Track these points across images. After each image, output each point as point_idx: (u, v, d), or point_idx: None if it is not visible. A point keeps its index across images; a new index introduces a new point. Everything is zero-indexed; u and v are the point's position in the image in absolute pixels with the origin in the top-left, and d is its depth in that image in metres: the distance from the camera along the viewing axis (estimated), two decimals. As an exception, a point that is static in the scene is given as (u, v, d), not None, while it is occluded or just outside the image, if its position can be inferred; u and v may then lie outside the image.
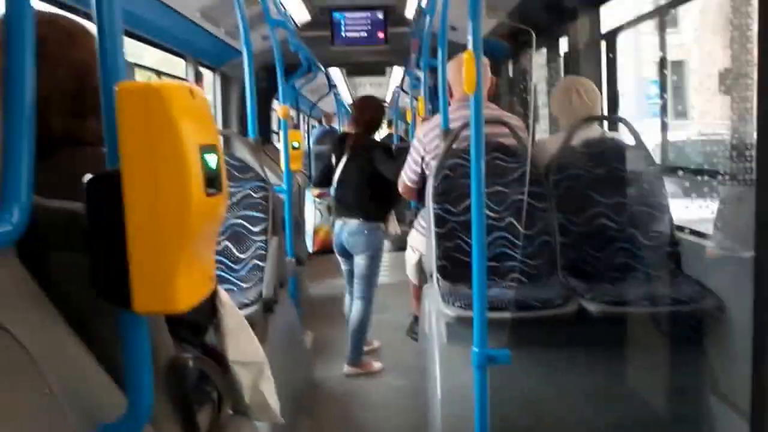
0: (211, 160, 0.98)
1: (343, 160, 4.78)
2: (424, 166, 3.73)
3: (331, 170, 4.92)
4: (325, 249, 5.19)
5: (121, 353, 1.04)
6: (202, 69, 6.64)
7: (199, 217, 0.95)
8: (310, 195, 5.29)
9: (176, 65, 6.39)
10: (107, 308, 0.99)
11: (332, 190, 4.87)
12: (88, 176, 0.95)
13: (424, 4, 5.22)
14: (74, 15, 3.40)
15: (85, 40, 1.42)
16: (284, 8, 5.99)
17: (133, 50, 5.30)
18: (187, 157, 0.92)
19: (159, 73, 5.89)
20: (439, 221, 3.32)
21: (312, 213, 5.27)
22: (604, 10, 4.77)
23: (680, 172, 3.65)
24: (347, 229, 4.66)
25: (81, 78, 1.41)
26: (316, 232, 5.15)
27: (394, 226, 4.93)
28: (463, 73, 2.29)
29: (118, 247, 0.93)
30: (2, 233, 0.83)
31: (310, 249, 5.13)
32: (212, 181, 0.97)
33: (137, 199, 0.92)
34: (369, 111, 4.82)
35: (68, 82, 1.41)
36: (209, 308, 1.57)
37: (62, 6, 3.56)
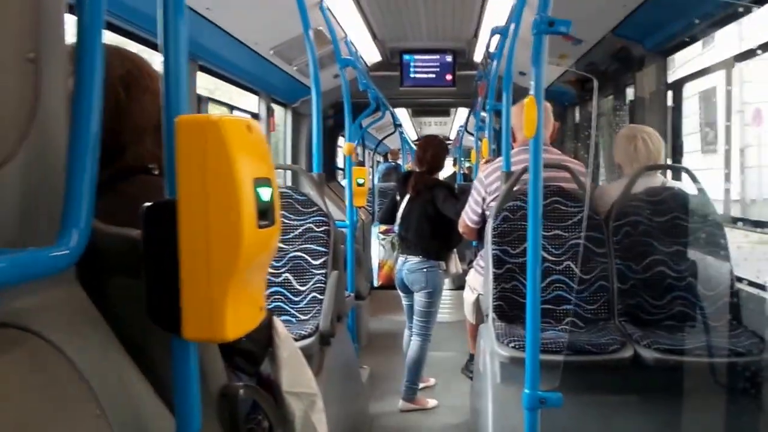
0: (265, 193, 0.98)
1: (406, 198, 4.79)
2: (484, 207, 3.73)
3: (395, 207, 4.95)
4: (388, 284, 5.20)
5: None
6: (274, 105, 6.76)
7: (250, 249, 0.95)
8: (376, 231, 5.32)
9: (249, 100, 6.52)
10: (162, 333, 1.00)
11: (396, 227, 4.88)
12: (146, 204, 0.98)
13: (492, 48, 5.24)
14: (144, 46, 3.52)
15: (158, 75, 1.47)
16: (355, 49, 6.08)
17: (206, 85, 5.42)
18: (240, 190, 0.93)
19: (231, 108, 6.01)
20: (497, 262, 3.30)
21: (377, 248, 5.30)
22: (671, 60, 4.73)
23: (740, 224, 3.56)
24: (408, 265, 4.66)
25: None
26: (380, 266, 5.17)
27: (455, 265, 4.92)
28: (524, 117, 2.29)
29: (171, 274, 0.95)
30: (59, 257, 0.85)
31: (375, 283, 5.15)
32: (265, 213, 0.98)
33: (191, 228, 0.94)
34: (431, 150, 4.83)
35: (156, 114, 1.45)
36: (265, 338, 1.58)
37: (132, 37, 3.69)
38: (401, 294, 4.91)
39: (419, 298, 4.67)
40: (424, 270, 4.61)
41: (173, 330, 0.97)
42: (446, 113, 13.70)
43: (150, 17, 3.54)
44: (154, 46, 4.31)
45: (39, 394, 0.83)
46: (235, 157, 0.93)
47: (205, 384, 1.11)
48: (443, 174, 5.77)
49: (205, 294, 0.94)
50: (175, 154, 0.94)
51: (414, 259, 4.64)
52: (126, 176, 1.39)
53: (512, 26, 3.86)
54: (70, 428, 0.86)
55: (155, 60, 1.54)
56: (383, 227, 5.23)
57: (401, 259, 4.75)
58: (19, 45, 0.84)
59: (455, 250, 4.95)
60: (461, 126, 12.29)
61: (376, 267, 5.43)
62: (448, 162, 13.97)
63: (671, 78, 4.75)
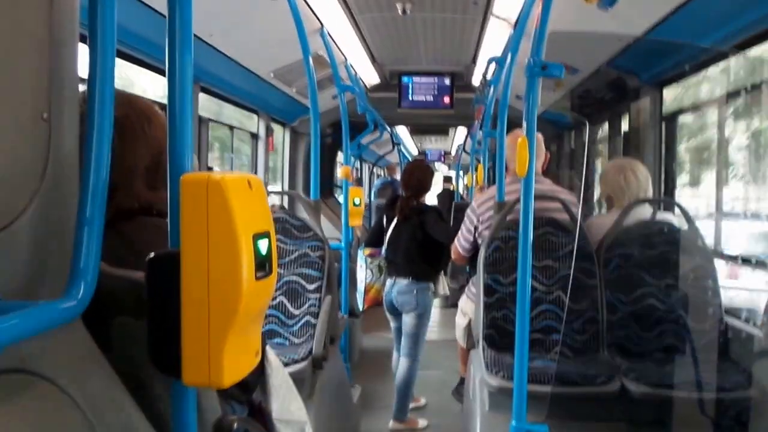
0: (263, 245, 1.03)
1: (394, 222, 4.81)
2: (477, 236, 3.76)
3: (382, 231, 4.96)
4: (376, 305, 5.21)
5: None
6: (273, 124, 6.81)
7: (248, 300, 0.99)
8: (362, 254, 5.32)
9: (249, 119, 6.57)
10: (161, 372, 1.05)
11: (383, 251, 4.89)
12: (150, 255, 1.01)
13: (489, 75, 5.28)
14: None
15: (159, 120, 1.51)
16: (355, 71, 6.13)
17: (209, 106, 5.46)
18: (240, 245, 0.97)
19: (232, 128, 6.05)
20: (488, 290, 3.33)
21: (363, 272, 5.30)
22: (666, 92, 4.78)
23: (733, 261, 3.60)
24: (397, 287, 4.68)
25: (157, 154, 1.49)
26: (367, 290, 5.18)
27: (443, 287, 4.93)
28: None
29: (172, 322, 0.99)
30: (68, 308, 0.88)
31: (361, 307, 5.16)
32: (262, 265, 1.02)
33: (193, 279, 0.98)
34: (416, 174, 4.83)
35: (147, 158, 1.49)
36: (258, 367, 1.61)
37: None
38: (389, 316, 4.91)
39: (408, 319, 4.68)
40: (414, 292, 4.63)
41: (173, 375, 1.01)
42: (445, 132, 13.74)
43: (152, 43, 3.59)
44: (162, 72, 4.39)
45: None
46: (236, 215, 0.97)
47: (200, 417, 1.14)
48: (432, 191, 5.75)
49: (205, 342, 0.99)
50: (179, 209, 0.99)
51: (403, 282, 4.66)
52: (126, 216, 1.42)
53: (508, 57, 3.90)
54: None
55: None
56: (369, 250, 5.23)
57: (389, 281, 4.76)
58: (34, 105, 0.88)
59: (443, 272, 4.97)
60: (460, 144, 12.33)
61: (362, 290, 5.44)
62: (438, 178, 13.99)
63: (666, 111, 4.80)
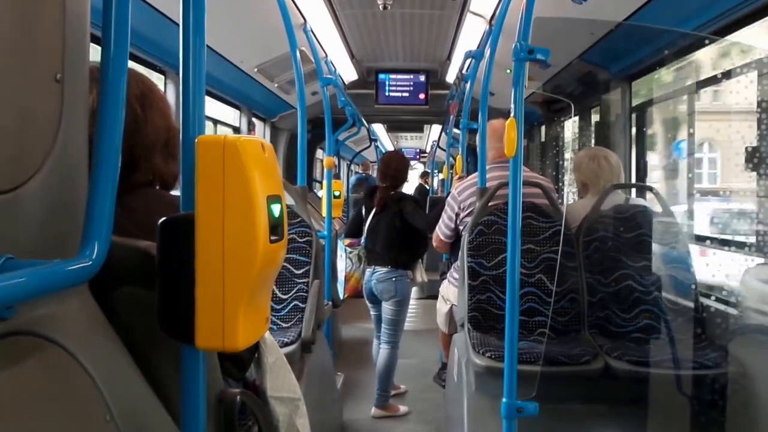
0: (276, 209, 1.00)
1: (372, 212, 4.79)
2: (458, 222, 3.74)
3: (361, 221, 4.94)
4: (355, 296, 5.18)
5: (175, 385, 1.07)
6: (254, 119, 6.76)
7: (263, 262, 0.96)
8: (342, 245, 5.29)
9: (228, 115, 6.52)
10: (166, 342, 1.01)
11: (363, 240, 4.87)
12: (163, 219, 0.98)
13: (465, 70, 5.27)
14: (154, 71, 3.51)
15: (164, 96, 1.54)
16: (334, 68, 6.09)
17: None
18: (257, 206, 0.94)
19: (216, 122, 5.99)
20: (473, 274, 3.31)
21: (343, 262, 5.27)
22: (635, 84, 4.79)
23: (708, 242, 3.60)
24: (377, 275, 4.67)
25: (170, 127, 1.51)
26: (347, 279, 5.13)
27: (420, 274, 4.92)
28: (502, 137, 2.31)
29: (185, 286, 0.96)
30: (83, 268, 0.85)
31: (342, 296, 5.13)
32: (275, 228, 1.00)
33: (208, 242, 0.94)
34: (394, 164, 4.84)
35: (163, 131, 1.50)
36: (253, 344, 1.58)
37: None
38: (369, 305, 4.91)
39: (388, 306, 4.67)
40: (393, 279, 4.62)
41: (186, 340, 0.98)
42: (420, 130, 13.76)
43: (153, 41, 3.54)
44: (159, 71, 4.33)
45: (55, 400, 0.84)
46: (251, 176, 0.94)
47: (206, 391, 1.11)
48: (408, 188, 5.76)
49: (219, 306, 0.95)
50: (195, 171, 0.95)
51: (382, 270, 4.65)
52: (130, 190, 1.39)
53: (487, 51, 3.88)
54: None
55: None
56: (348, 240, 5.20)
57: (369, 270, 4.75)
58: (48, 66, 0.85)
59: (420, 259, 4.96)
60: (434, 141, 12.35)
61: (342, 279, 5.41)
62: (414, 174, 14.03)
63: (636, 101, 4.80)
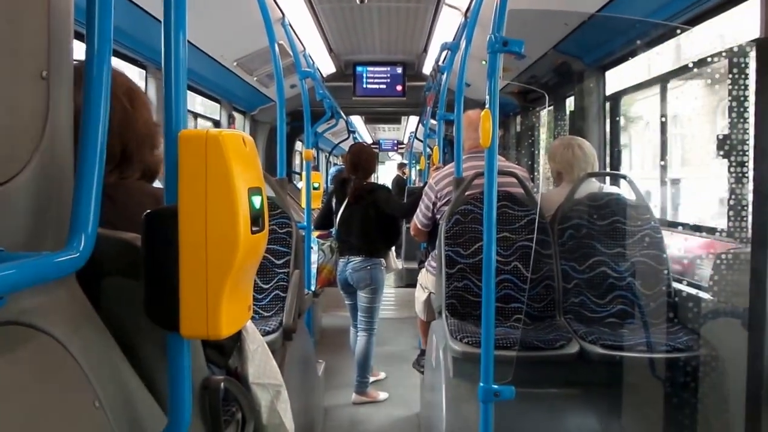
0: (257, 201, 1.02)
1: (344, 203, 4.81)
2: (435, 211, 3.76)
3: (331, 213, 4.96)
4: (328, 285, 5.20)
5: (160, 373, 1.09)
6: (234, 113, 6.75)
7: (244, 253, 0.98)
8: (313, 236, 5.29)
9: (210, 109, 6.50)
10: (151, 331, 1.03)
11: (334, 232, 4.90)
12: (147, 211, 0.99)
13: (441, 62, 5.28)
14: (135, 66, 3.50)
15: (143, 90, 1.55)
16: (312, 61, 6.09)
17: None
18: (238, 199, 0.96)
19: (196, 116, 5.98)
20: (450, 262, 3.33)
21: (315, 254, 5.27)
22: (609, 74, 4.83)
23: (680, 228, 3.65)
24: (351, 265, 4.71)
25: (153, 121, 1.53)
26: (319, 271, 5.14)
27: (393, 261, 4.96)
28: (478, 128, 2.33)
29: (170, 276, 0.97)
30: (70, 260, 0.86)
31: (313, 287, 5.15)
32: (256, 220, 1.02)
33: (191, 233, 0.96)
34: (364, 156, 4.86)
35: (151, 125, 1.52)
36: (235, 333, 1.59)
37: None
38: (344, 294, 4.96)
39: (363, 294, 4.73)
40: (369, 268, 4.67)
41: (171, 328, 1.00)
42: (397, 121, 13.76)
43: (133, 36, 3.53)
44: (140, 65, 4.30)
45: (46, 387, 0.85)
46: (233, 168, 0.96)
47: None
48: (385, 178, 5.80)
49: (203, 295, 0.97)
50: (177, 164, 0.97)
51: (356, 259, 4.69)
52: (115, 183, 1.41)
53: (463, 43, 3.90)
54: (73, 418, 0.89)
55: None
56: (318, 232, 5.21)
57: (342, 260, 4.79)
58: (34, 64, 0.86)
59: (393, 248, 5.00)
60: (412, 132, 12.37)
61: (314, 272, 5.41)
62: (392, 165, 14.01)
63: (609, 91, 4.84)
